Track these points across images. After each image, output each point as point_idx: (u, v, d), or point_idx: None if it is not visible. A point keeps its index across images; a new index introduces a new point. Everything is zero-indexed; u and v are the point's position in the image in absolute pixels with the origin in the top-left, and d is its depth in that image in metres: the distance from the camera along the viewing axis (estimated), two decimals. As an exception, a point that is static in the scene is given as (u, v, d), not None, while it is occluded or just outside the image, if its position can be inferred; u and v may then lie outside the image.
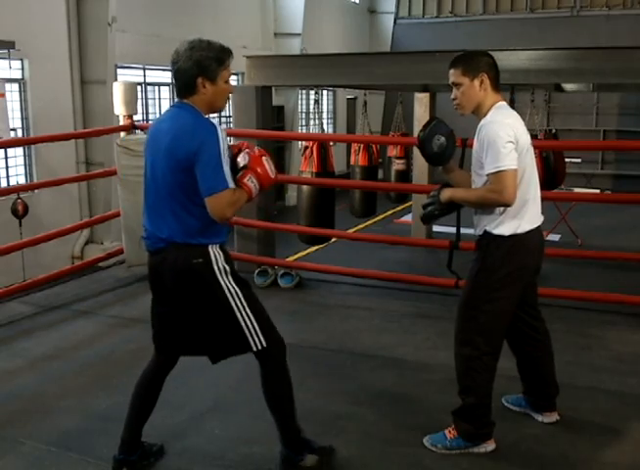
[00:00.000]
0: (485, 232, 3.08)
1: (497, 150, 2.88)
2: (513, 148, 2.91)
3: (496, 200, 2.95)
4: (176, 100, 2.80)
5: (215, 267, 2.71)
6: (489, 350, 3.12)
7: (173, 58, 2.71)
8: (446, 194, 3.14)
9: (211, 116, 2.82)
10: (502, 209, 3.00)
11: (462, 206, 3.21)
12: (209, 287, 2.72)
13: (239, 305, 2.73)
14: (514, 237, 3.03)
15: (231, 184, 2.62)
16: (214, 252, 2.72)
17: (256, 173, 2.76)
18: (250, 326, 2.74)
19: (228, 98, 2.85)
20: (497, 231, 3.03)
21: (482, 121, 3.02)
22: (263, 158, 2.80)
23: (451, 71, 3.09)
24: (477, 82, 3.02)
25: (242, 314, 2.73)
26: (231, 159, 2.76)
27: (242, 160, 2.80)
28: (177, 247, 2.71)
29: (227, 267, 2.74)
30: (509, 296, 3.11)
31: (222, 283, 2.72)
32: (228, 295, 2.72)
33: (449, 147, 3.21)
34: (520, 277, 3.12)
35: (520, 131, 2.99)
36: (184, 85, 2.71)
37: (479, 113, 3.08)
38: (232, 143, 2.89)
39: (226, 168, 2.61)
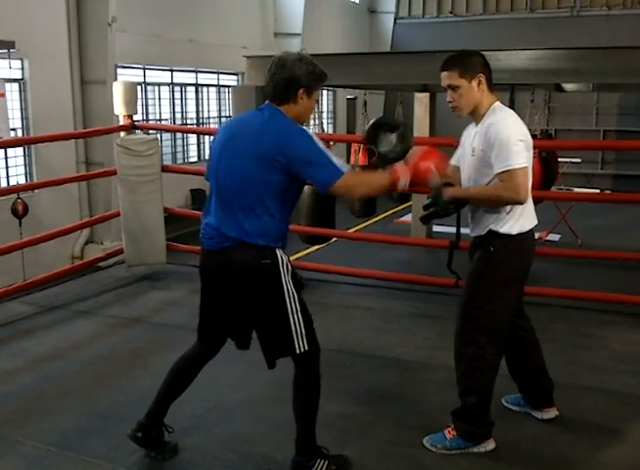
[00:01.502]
0: (490, 231, 3.07)
1: (509, 149, 2.89)
2: (523, 146, 2.93)
3: (511, 198, 2.94)
4: (266, 103, 2.84)
5: (281, 269, 2.79)
6: (493, 349, 3.12)
7: (276, 64, 2.79)
8: (451, 193, 3.08)
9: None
10: (509, 208, 3.00)
11: (464, 205, 3.19)
12: (273, 287, 2.79)
13: (294, 307, 2.80)
14: (519, 236, 3.04)
15: (344, 169, 2.71)
16: (280, 254, 2.81)
17: (416, 168, 2.88)
18: (298, 329, 2.81)
19: (312, 115, 2.97)
20: (504, 230, 3.03)
21: (489, 121, 3.00)
22: (430, 156, 2.93)
23: (445, 74, 3.05)
24: (474, 83, 3.01)
25: (294, 317, 2.80)
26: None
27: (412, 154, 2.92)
28: (245, 247, 2.76)
29: (290, 270, 2.83)
30: (512, 294, 3.12)
31: (284, 285, 2.79)
32: (287, 297, 2.79)
33: (401, 143, 3.13)
34: (523, 275, 3.13)
35: (525, 131, 3.01)
36: (284, 92, 2.79)
37: (476, 113, 3.07)
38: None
39: (335, 159, 2.71)
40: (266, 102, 2.85)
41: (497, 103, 3.06)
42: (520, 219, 3.04)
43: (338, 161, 2.72)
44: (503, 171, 2.91)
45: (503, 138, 2.90)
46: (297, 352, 2.83)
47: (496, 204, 3.03)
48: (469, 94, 3.02)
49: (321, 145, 2.71)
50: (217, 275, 2.87)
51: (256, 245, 2.76)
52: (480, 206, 3.10)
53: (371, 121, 3.28)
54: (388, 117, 3.24)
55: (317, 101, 2.90)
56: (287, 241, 2.90)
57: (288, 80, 2.76)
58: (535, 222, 3.15)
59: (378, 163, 3.14)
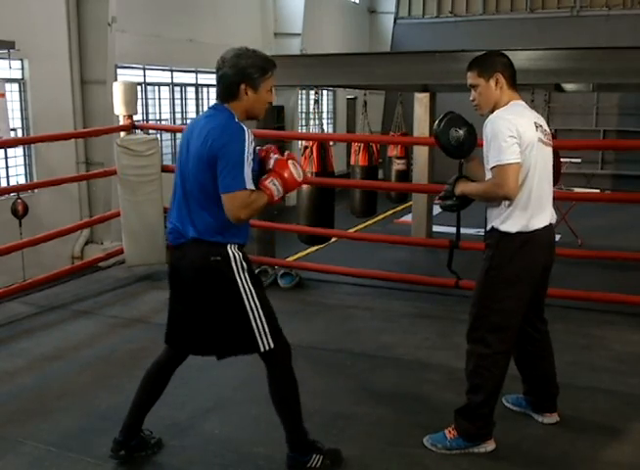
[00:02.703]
0: (493, 228, 3.09)
1: (498, 144, 2.91)
2: (515, 142, 2.92)
3: (497, 193, 2.97)
4: (215, 102, 2.85)
5: (233, 266, 2.75)
6: (501, 348, 3.12)
7: (218, 63, 2.79)
8: (459, 188, 3.21)
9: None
10: (508, 204, 3.01)
11: (471, 201, 3.24)
12: (226, 285, 2.75)
13: (252, 304, 2.77)
14: (522, 234, 3.03)
15: (249, 185, 2.65)
16: (232, 251, 2.76)
17: (281, 177, 2.79)
18: (260, 327, 2.77)
19: (267, 107, 2.91)
20: (503, 228, 3.04)
21: (488, 117, 3.04)
22: (290, 161, 2.83)
23: (468, 74, 3.14)
24: (492, 82, 3.06)
25: (254, 314, 2.77)
26: (259, 163, 2.82)
27: (271, 163, 2.83)
28: (198, 243, 2.76)
29: (245, 266, 2.78)
30: (518, 294, 3.11)
31: (239, 282, 2.76)
32: (243, 294, 2.76)
33: (468, 140, 3.23)
34: (528, 275, 3.11)
35: (523, 127, 2.98)
36: (226, 90, 2.78)
37: (496, 111, 3.09)
38: (260, 147, 2.92)
39: (247, 170, 2.65)
40: (216, 100, 2.85)
41: (513, 101, 3.09)
42: (522, 217, 3.02)
43: (248, 174, 2.65)
44: (493, 167, 2.94)
45: (493, 134, 2.94)
46: (262, 350, 2.79)
47: (487, 199, 3.09)
48: (487, 93, 3.07)
49: (247, 148, 2.65)
50: (175, 271, 2.88)
51: (207, 241, 2.74)
52: (479, 201, 3.18)
53: (443, 118, 3.27)
54: (460, 117, 3.26)
55: (269, 91, 2.82)
56: (245, 237, 2.85)
57: (227, 77, 2.76)
58: (548, 221, 3.12)
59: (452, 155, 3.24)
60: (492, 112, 3.09)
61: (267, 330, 2.78)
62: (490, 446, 3.20)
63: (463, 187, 3.20)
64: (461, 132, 3.20)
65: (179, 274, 2.86)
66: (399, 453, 3.20)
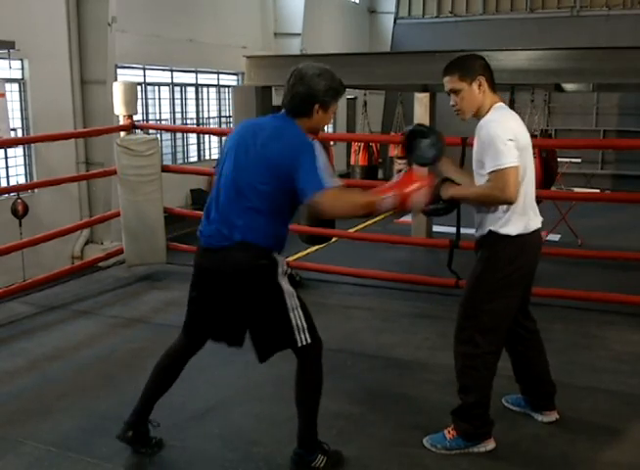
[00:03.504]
0: (490, 232, 3.07)
1: (497, 148, 2.89)
2: (513, 146, 2.91)
3: (498, 197, 2.94)
4: (282, 112, 2.88)
5: (279, 269, 2.85)
6: (490, 349, 3.12)
7: (295, 78, 2.81)
8: (448, 192, 3.13)
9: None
10: (506, 207, 3.00)
11: (458, 204, 3.21)
12: (270, 286, 2.84)
13: (293, 303, 2.87)
14: (520, 237, 3.04)
15: (334, 184, 2.70)
16: (277, 256, 2.86)
17: (400, 193, 2.74)
18: (299, 323, 2.87)
19: (325, 126, 3.00)
20: (504, 231, 3.03)
21: (481, 122, 3.03)
22: (416, 184, 2.77)
23: (446, 79, 3.08)
24: (475, 86, 3.02)
25: (294, 312, 2.86)
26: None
27: (399, 176, 2.85)
28: (245, 247, 2.79)
29: (287, 271, 2.90)
30: (512, 295, 3.11)
31: (282, 284, 2.85)
32: (286, 295, 2.86)
33: (436, 148, 3.22)
34: (523, 277, 3.13)
35: (518, 130, 2.99)
36: (301, 107, 2.82)
37: (479, 115, 3.08)
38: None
39: (328, 175, 2.69)
40: (282, 111, 2.89)
41: (498, 103, 3.07)
42: (521, 220, 3.03)
43: (330, 176, 2.70)
44: (492, 171, 2.92)
45: (491, 138, 2.91)
46: (299, 344, 2.87)
47: (486, 203, 3.04)
48: (470, 97, 3.03)
49: (322, 159, 2.71)
50: (213, 274, 2.89)
51: (255, 246, 2.79)
52: (473, 205, 3.13)
53: (406, 128, 3.32)
54: (423, 125, 3.26)
55: (334, 112, 2.91)
56: (285, 244, 2.93)
57: (304, 95, 2.80)
58: (539, 224, 3.14)
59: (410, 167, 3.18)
60: (475, 116, 3.08)
61: (306, 326, 2.88)
62: (490, 445, 3.20)
63: (453, 191, 3.13)
64: (425, 142, 3.20)
65: (218, 276, 2.87)
66: (399, 453, 3.20)
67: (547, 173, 6.95)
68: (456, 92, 3.05)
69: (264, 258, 2.82)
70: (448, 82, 3.07)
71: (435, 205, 3.16)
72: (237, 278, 2.83)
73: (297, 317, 2.87)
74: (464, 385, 3.15)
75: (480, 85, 3.02)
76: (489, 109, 3.05)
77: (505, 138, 2.90)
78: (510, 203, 2.95)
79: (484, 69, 3.06)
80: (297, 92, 2.81)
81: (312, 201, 2.68)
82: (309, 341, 2.88)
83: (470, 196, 3.12)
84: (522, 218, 3.03)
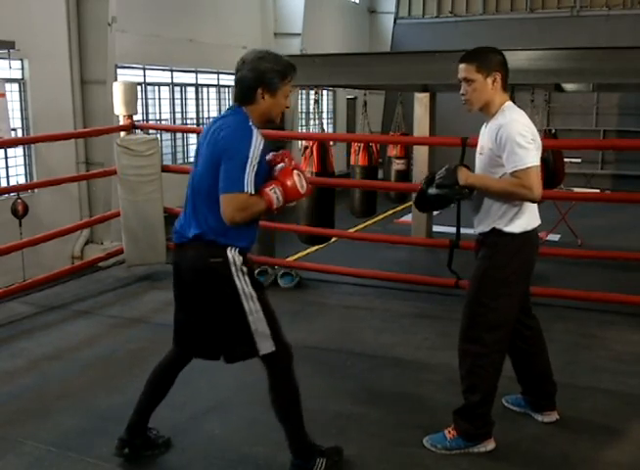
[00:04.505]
0: (494, 230, 3.07)
1: (523, 147, 2.90)
2: (534, 146, 2.94)
3: (525, 195, 2.94)
4: (232, 104, 2.85)
5: (233, 268, 2.72)
6: (497, 347, 3.12)
7: (238, 64, 2.77)
8: (468, 178, 3.02)
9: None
10: (514, 207, 3.01)
11: (472, 192, 3.07)
12: (224, 287, 2.73)
13: (252, 307, 2.74)
14: (523, 235, 3.06)
15: (248, 188, 2.62)
16: (232, 254, 2.73)
17: (283, 185, 2.74)
18: (259, 329, 2.75)
19: (282, 112, 2.90)
20: (508, 229, 3.04)
21: (499, 122, 2.99)
22: (295, 171, 2.79)
23: (463, 66, 3.05)
24: (489, 80, 3.01)
25: (253, 317, 2.74)
26: (268, 169, 2.79)
27: (276, 170, 2.81)
28: (199, 244, 2.75)
29: (245, 269, 2.75)
30: (516, 292, 3.13)
31: (238, 284, 2.73)
32: (242, 296, 2.73)
33: (446, 188, 3.08)
34: (526, 274, 3.15)
35: (534, 131, 3.03)
36: (244, 93, 2.76)
37: (486, 110, 3.08)
38: (275, 153, 2.88)
39: (250, 173, 2.61)
40: (233, 102, 2.85)
41: (509, 103, 3.07)
42: (524, 218, 3.05)
43: (250, 178, 2.62)
44: (519, 170, 2.90)
45: (516, 138, 2.91)
46: (261, 353, 2.77)
47: (509, 198, 3.01)
48: (482, 90, 3.02)
49: (252, 152, 2.62)
50: (177, 271, 2.87)
51: (210, 242, 2.72)
52: (491, 196, 3.05)
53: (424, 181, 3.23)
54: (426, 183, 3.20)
55: (287, 96, 2.81)
56: (248, 241, 2.82)
57: (247, 79, 2.74)
58: (539, 222, 3.16)
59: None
60: (481, 110, 3.08)
61: (268, 333, 2.76)
62: (490, 445, 3.20)
63: (474, 179, 3.04)
64: (435, 190, 3.09)
65: (180, 274, 2.85)
66: (399, 453, 3.20)
67: (554, 174, 6.94)
68: (469, 82, 3.03)
69: (217, 255, 2.71)
70: (464, 70, 3.04)
71: (448, 189, 3.03)
72: (192, 276, 2.78)
73: (256, 321, 2.73)
74: (472, 384, 3.14)
75: (494, 81, 3.02)
76: (500, 107, 3.04)
77: (529, 138, 2.93)
78: (535, 201, 2.98)
79: (502, 65, 3.06)
80: (239, 78, 2.76)
81: (224, 198, 2.62)
82: (273, 349, 2.76)
83: (494, 187, 3.01)
84: (524, 217, 3.05)
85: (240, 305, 2.73)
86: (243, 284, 2.73)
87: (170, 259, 2.97)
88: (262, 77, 2.72)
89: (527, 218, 3.07)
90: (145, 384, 3.06)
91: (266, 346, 2.76)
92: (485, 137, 3.08)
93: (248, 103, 2.76)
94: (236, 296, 2.72)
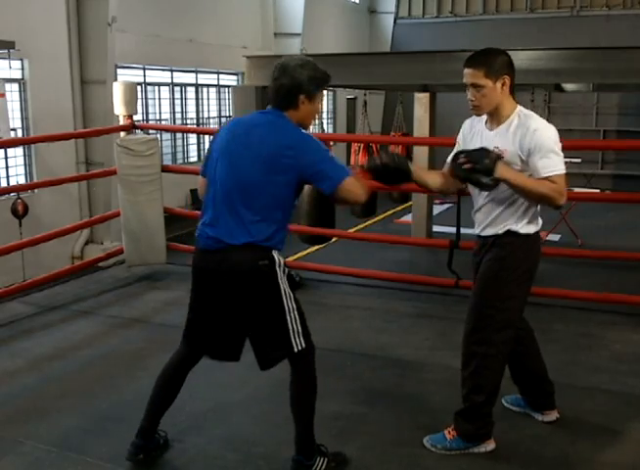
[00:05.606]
0: (509, 231, 3.05)
1: (557, 153, 2.90)
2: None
3: (556, 199, 2.90)
4: (270, 108, 2.88)
5: (278, 270, 2.81)
6: (504, 348, 3.13)
7: (278, 71, 2.83)
8: (507, 173, 2.87)
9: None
10: (532, 209, 3.03)
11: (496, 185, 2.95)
12: (270, 288, 2.81)
13: (290, 306, 2.83)
14: (534, 235, 3.09)
15: (350, 172, 2.81)
16: (277, 256, 2.83)
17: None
18: (295, 327, 2.84)
19: (315, 118, 3.00)
20: (524, 230, 3.04)
21: (532, 125, 2.92)
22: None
23: (470, 72, 2.96)
24: (499, 84, 2.95)
25: (291, 316, 2.83)
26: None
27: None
28: (243, 248, 2.77)
29: (286, 271, 2.87)
30: (525, 293, 3.14)
31: (281, 285, 2.82)
32: (284, 296, 2.82)
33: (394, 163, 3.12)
34: (533, 273, 3.15)
35: None
36: (285, 98, 2.82)
37: (495, 114, 3.02)
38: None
39: (341, 163, 2.80)
40: (269, 106, 2.88)
41: (520, 107, 3.05)
42: (536, 220, 3.09)
43: (343, 164, 2.78)
44: (555, 175, 2.87)
45: (550, 144, 2.90)
46: (295, 350, 2.84)
47: (539, 200, 2.98)
48: (492, 95, 2.96)
49: (322, 146, 2.77)
50: (212, 276, 2.86)
51: (254, 246, 2.77)
52: (521, 195, 2.96)
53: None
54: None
55: (320, 103, 2.92)
56: (284, 243, 2.90)
57: (288, 87, 2.80)
58: (541, 223, 3.18)
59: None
60: (490, 114, 3.05)
61: (301, 331, 2.85)
62: (490, 445, 3.20)
63: (511, 175, 2.88)
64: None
65: (217, 278, 2.83)
66: (399, 453, 3.20)
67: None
68: (478, 88, 2.95)
69: (265, 258, 2.79)
70: (471, 76, 2.96)
71: (483, 176, 2.87)
72: (237, 280, 2.79)
73: (293, 320, 2.83)
74: (477, 385, 3.12)
75: (503, 84, 2.97)
76: (512, 111, 3.00)
77: (560, 145, 2.93)
78: (558, 207, 2.97)
79: (510, 67, 3.01)
80: (281, 84, 2.81)
81: (340, 190, 2.74)
82: (304, 346, 2.86)
83: (528, 187, 2.90)
84: (537, 219, 3.09)
85: (281, 303, 2.82)
86: (284, 284, 2.83)
87: (194, 263, 2.92)
88: (306, 85, 2.80)
89: (538, 219, 3.11)
90: (154, 388, 3.05)
91: (299, 342, 2.85)
92: (501, 140, 2.98)
93: (289, 108, 2.83)
94: (278, 295, 2.81)
